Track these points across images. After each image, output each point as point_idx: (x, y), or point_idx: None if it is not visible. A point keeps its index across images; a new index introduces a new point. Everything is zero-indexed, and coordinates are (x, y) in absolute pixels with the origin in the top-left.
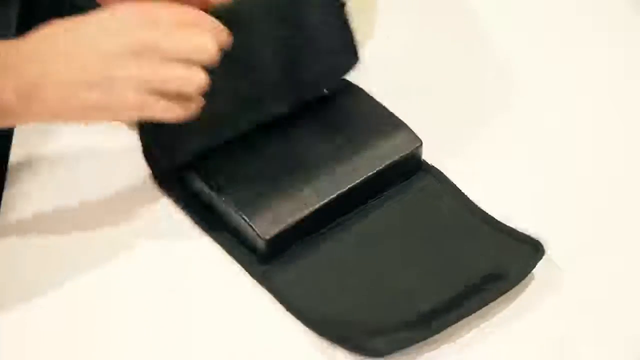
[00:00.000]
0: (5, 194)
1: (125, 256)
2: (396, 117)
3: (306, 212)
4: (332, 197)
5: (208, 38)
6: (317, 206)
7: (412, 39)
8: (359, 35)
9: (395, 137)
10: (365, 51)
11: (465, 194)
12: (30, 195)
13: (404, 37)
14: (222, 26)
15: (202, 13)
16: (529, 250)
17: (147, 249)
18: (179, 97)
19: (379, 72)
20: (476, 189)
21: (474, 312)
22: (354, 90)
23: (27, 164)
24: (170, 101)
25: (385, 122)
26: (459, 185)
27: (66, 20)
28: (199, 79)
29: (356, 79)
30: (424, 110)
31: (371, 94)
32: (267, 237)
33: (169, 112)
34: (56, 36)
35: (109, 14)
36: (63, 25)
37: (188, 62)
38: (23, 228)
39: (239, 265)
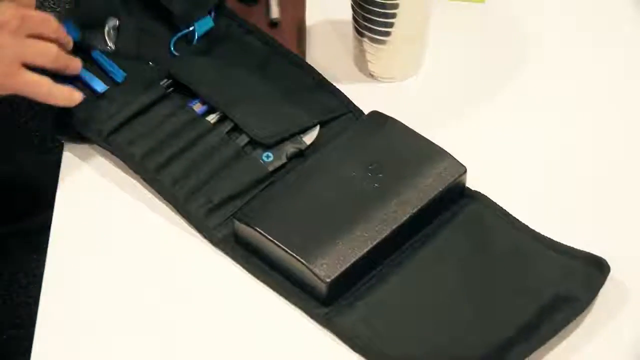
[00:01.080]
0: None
1: (180, 308)
2: (437, 146)
3: (364, 251)
4: (387, 233)
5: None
6: (373, 244)
7: (447, 69)
8: (402, 66)
9: (439, 165)
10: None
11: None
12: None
13: (442, 68)
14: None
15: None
16: (593, 269)
17: (201, 300)
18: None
19: (413, 101)
20: (520, 210)
21: (550, 338)
22: (391, 123)
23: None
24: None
25: (427, 152)
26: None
27: None
28: (54, 51)
29: (389, 108)
30: (452, 137)
31: (408, 124)
32: (329, 280)
33: (36, 86)
34: None
35: None
36: None
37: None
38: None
39: (298, 310)
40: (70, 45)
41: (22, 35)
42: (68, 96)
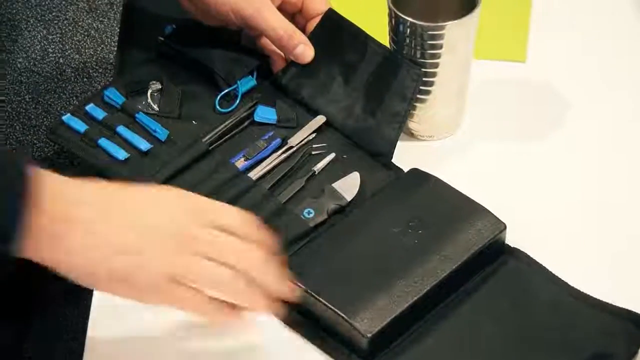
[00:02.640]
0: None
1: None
2: (476, 203)
3: (405, 306)
4: (427, 289)
5: (255, 249)
6: (414, 299)
7: (488, 126)
8: (441, 124)
9: (479, 222)
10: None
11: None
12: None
13: (481, 126)
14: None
15: (250, 218)
16: (632, 326)
17: (243, 355)
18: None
19: (452, 158)
20: (559, 267)
21: None
22: (431, 180)
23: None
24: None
25: (466, 209)
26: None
27: (123, 184)
28: (227, 281)
29: (429, 166)
30: (491, 195)
31: (448, 181)
32: (370, 335)
33: (194, 306)
34: (108, 194)
35: (163, 191)
36: (119, 188)
37: (224, 264)
38: None
39: None
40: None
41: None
42: (223, 317)
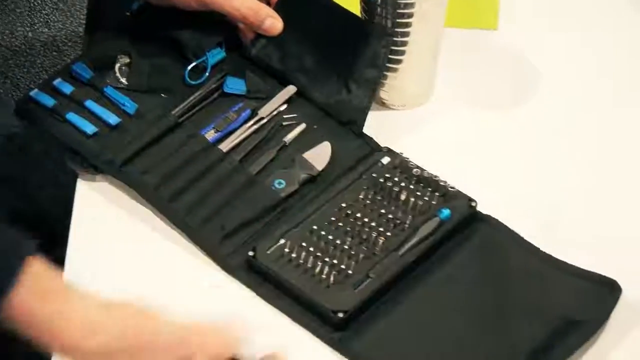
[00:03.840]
0: None
1: None
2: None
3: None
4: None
5: None
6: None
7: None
8: (413, 93)
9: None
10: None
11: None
12: None
13: (453, 94)
14: None
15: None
16: (604, 291)
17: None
18: None
19: (424, 127)
20: (531, 233)
21: None
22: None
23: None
24: None
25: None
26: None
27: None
28: None
29: (401, 135)
30: (463, 163)
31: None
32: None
33: None
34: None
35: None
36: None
37: None
38: None
39: (312, 334)
40: None
41: None
42: None
